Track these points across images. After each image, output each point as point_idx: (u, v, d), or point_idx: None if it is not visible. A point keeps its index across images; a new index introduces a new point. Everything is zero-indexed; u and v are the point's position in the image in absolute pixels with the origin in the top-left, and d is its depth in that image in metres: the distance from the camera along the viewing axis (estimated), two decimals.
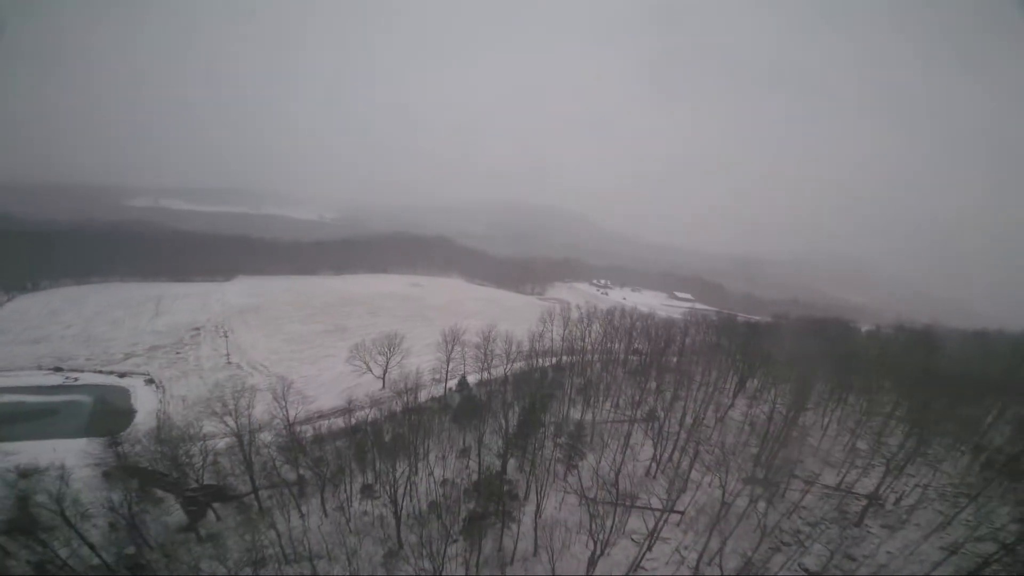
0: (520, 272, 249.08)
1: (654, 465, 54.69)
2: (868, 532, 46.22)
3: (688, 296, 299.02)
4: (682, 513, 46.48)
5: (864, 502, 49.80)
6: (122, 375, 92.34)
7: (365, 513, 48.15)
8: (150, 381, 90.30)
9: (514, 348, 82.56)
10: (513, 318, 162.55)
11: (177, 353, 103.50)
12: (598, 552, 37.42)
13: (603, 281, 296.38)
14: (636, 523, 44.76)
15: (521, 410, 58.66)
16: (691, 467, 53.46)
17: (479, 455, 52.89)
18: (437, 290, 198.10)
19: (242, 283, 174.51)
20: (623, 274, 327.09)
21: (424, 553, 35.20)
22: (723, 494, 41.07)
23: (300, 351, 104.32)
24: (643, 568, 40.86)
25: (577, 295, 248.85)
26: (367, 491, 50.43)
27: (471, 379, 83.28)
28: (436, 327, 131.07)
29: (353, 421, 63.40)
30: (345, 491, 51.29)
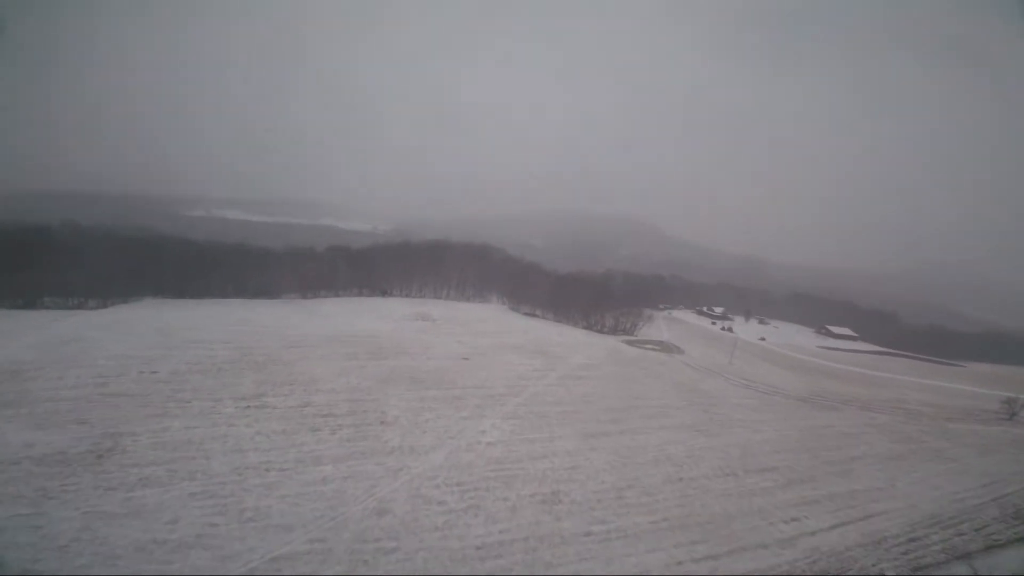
0: (589, 295, 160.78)
1: None
2: None
3: (848, 332, 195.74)
4: None
5: None
6: None
7: None
8: None
9: None
10: (590, 413, 61.83)
11: None
12: None
13: (718, 309, 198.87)
14: None
15: None
16: None
17: None
18: (454, 327, 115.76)
19: (119, 312, 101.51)
20: (733, 294, 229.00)
21: None
22: None
23: None
24: None
25: (688, 333, 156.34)
26: None
27: None
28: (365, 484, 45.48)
29: None
30: None
